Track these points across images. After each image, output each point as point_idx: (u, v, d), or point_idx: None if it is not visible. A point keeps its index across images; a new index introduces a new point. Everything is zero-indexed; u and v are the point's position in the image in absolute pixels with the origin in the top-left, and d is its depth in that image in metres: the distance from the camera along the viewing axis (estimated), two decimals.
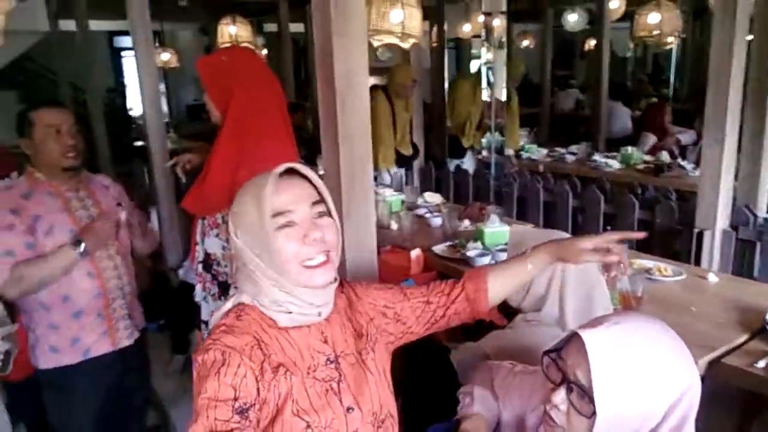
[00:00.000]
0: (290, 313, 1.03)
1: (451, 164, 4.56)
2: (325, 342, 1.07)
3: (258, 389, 0.95)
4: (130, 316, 1.95)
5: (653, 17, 3.88)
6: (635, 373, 0.85)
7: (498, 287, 1.21)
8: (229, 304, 1.07)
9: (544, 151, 4.86)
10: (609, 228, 3.06)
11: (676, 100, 7.95)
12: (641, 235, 1.28)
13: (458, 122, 4.74)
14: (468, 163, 4.66)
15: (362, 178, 1.63)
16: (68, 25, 5.87)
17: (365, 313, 1.16)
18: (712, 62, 2.42)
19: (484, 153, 4.54)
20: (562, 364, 0.92)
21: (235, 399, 0.92)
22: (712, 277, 2.04)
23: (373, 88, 4.56)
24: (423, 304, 1.20)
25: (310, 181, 1.04)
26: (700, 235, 2.56)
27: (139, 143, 6.10)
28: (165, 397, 2.85)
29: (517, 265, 1.21)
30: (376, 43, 3.11)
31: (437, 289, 1.22)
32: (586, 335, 0.87)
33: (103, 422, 1.92)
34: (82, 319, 1.81)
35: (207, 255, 1.81)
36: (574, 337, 0.91)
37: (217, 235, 1.77)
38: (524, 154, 4.81)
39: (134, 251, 2.04)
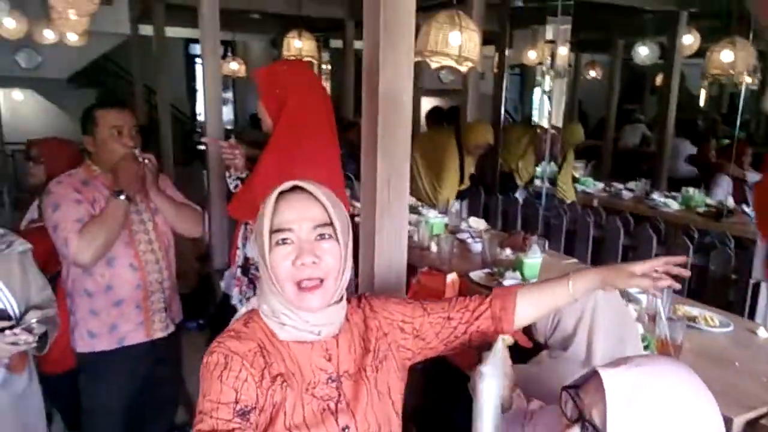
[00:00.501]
0: (284, 325, 1.02)
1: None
2: (329, 360, 1.06)
3: (257, 395, 0.97)
4: (166, 310, 2.01)
5: (726, 55, 3.71)
6: (653, 419, 0.80)
7: (528, 308, 1.16)
8: (244, 309, 1.09)
9: (600, 185, 4.73)
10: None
11: (752, 143, 7.58)
12: (683, 259, 1.20)
13: (509, 164, 4.67)
14: (519, 196, 4.59)
15: (398, 195, 1.62)
16: (147, 30, 6.22)
17: (378, 328, 1.14)
18: None
19: (537, 182, 4.46)
20: (579, 401, 0.88)
21: (237, 402, 0.94)
22: (763, 332, 1.91)
23: (440, 126, 4.52)
24: (444, 320, 1.16)
25: (320, 202, 1.02)
26: (756, 286, 2.41)
27: (202, 147, 6.38)
28: (196, 396, 2.90)
29: (556, 287, 1.16)
30: (433, 65, 3.12)
31: (460, 305, 1.18)
32: (605, 374, 0.84)
33: (131, 409, 1.98)
34: (121, 308, 1.89)
35: (246, 259, 1.85)
36: (594, 375, 0.87)
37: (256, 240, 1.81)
38: (579, 187, 4.69)
39: (176, 234, 2.06)
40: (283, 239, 0.99)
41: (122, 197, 1.79)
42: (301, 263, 0.98)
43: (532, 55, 6.25)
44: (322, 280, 1.00)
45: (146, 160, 1.89)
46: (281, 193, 1.02)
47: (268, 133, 1.85)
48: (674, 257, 1.18)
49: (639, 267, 1.14)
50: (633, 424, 0.80)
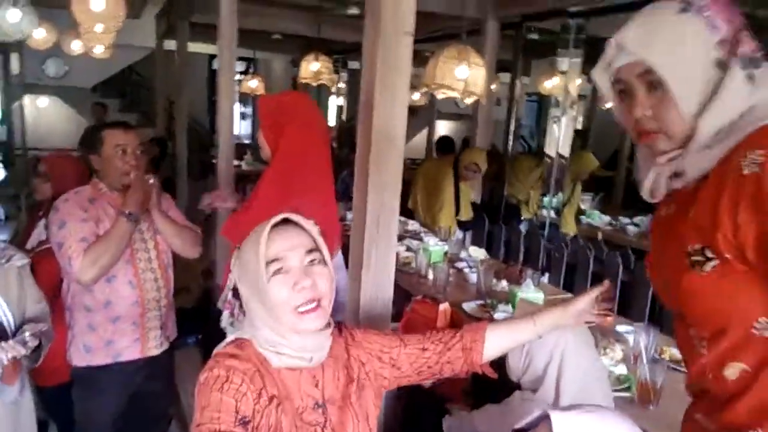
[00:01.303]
0: (281, 354, 1.08)
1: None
2: (316, 386, 1.11)
3: (254, 411, 1.01)
4: (162, 327, 2.06)
5: None
6: None
7: (496, 342, 1.25)
8: (230, 337, 1.14)
9: (607, 218, 4.72)
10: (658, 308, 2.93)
11: None
12: (607, 285, 1.29)
13: (517, 195, 4.70)
14: (523, 227, 4.60)
15: (387, 231, 1.67)
16: (172, 45, 6.39)
17: (359, 357, 1.21)
18: None
19: (543, 212, 4.48)
20: None
21: (237, 411, 0.99)
22: None
23: (447, 155, 4.58)
24: (419, 350, 1.24)
25: (306, 230, 1.11)
26: None
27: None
28: (190, 411, 2.94)
29: (522, 323, 1.27)
30: (439, 96, 3.20)
31: (435, 337, 1.26)
32: (555, 417, 0.87)
33: (123, 422, 2.02)
34: (118, 324, 1.95)
35: None
36: (545, 419, 0.90)
37: None
38: (584, 219, 4.69)
39: (176, 254, 2.11)
40: (279, 269, 1.06)
41: (129, 219, 1.85)
42: (301, 287, 1.05)
43: (548, 85, 6.32)
44: (318, 302, 1.07)
45: (150, 181, 1.96)
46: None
47: (267, 161, 1.92)
48: (602, 288, 1.27)
49: (581, 302, 1.25)
50: None
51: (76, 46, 5.37)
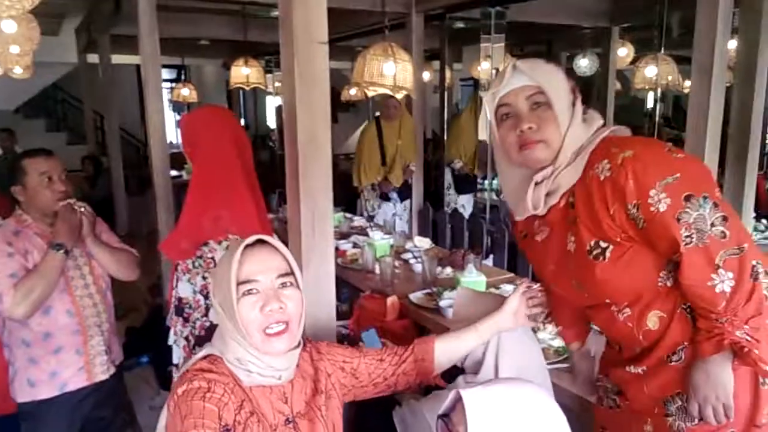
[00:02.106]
0: (251, 372, 1.11)
1: (461, 199, 4.68)
2: (285, 402, 1.15)
3: (234, 422, 1.04)
4: (107, 352, 2.04)
5: (650, 70, 3.94)
6: (507, 427, 0.91)
7: (444, 352, 1.35)
8: (201, 354, 1.17)
9: None
10: None
11: None
12: (526, 281, 1.47)
13: (458, 153, 4.87)
14: (467, 204, 4.73)
15: (323, 234, 1.71)
16: (96, 58, 6.18)
17: (324, 369, 1.26)
18: (689, 123, 2.46)
19: (485, 195, 4.60)
20: (451, 426, 0.98)
21: (220, 418, 1.02)
22: None
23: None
24: (377, 361, 1.32)
25: (281, 253, 1.14)
26: None
27: None
28: (147, 430, 2.91)
29: (466, 333, 1.37)
30: (370, 93, 3.25)
31: (391, 351, 1.35)
32: (465, 394, 0.94)
33: None
34: (60, 355, 1.91)
35: (179, 299, 1.90)
36: (459, 399, 0.97)
37: (188, 280, 1.87)
38: None
39: (113, 277, 2.09)
40: (249, 290, 1.09)
41: (61, 251, 1.82)
42: (269, 310, 1.08)
43: (479, 69, 6.50)
44: (287, 324, 1.10)
45: (82, 209, 1.92)
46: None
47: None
48: (527, 285, 1.42)
49: (511, 304, 1.37)
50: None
51: None
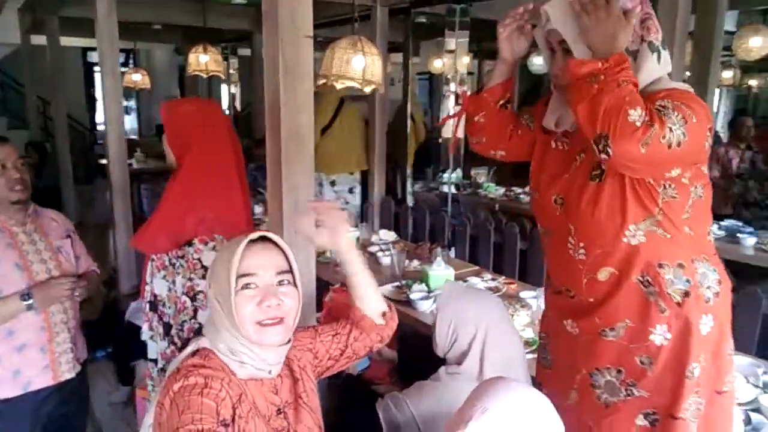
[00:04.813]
0: (245, 364, 1.12)
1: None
2: (276, 393, 1.17)
3: (233, 416, 1.05)
4: (72, 350, 1.97)
5: None
6: None
7: (361, 301, 1.31)
8: (190, 348, 1.16)
9: (502, 189, 5.01)
10: None
11: None
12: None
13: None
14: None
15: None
16: (40, 39, 5.89)
17: (295, 357, 1.27)
18: None
19: (444, 189, 4.67)
20: None
21: (218, 413, 1.01)
22: None
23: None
24: (331, 337, 1.33)
25: (282, 250, 1.15)
26: None
27: (104, 161, 6.13)
28: (106, 427, 2.84)
29: (351, 277, 1.31)
30: (339, 86, 3.23)
31: (340, 324, 1.35)
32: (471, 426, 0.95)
33: None
34: (24, 353, 1.83)
35: (154, 296, 1.86)
36: None
37: (164, 277, 1.82)
38: (482, 192, 4.95)
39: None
40: (248, 284, 1.10)
41: (27, 302, 1.76)
42: (267, 305, 1.09)
43: (437, 64, 6.58)
44: (282, 319, 1.11)
45: (76, 293, 1.89)
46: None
47: (172, 166, 1.87)
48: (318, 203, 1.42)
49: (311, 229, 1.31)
50: None
51: None
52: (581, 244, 1.28)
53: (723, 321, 1.25)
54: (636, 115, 1.06)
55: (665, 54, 1.23)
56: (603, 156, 1.10)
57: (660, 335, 1.21)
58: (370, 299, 1.32)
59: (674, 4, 2.29)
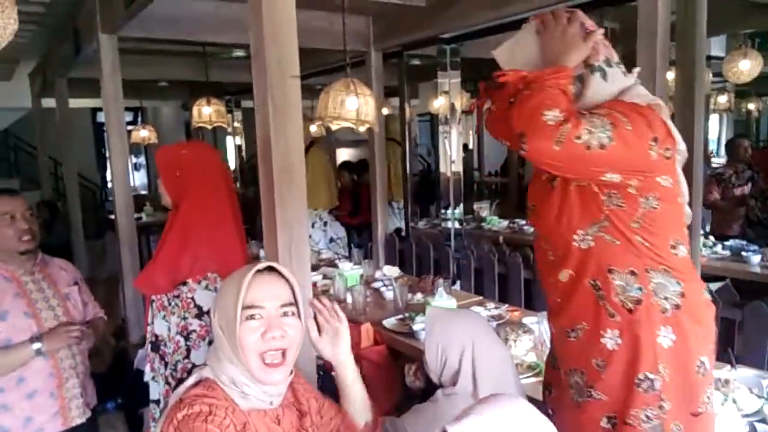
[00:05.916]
0: (247, 395, 1.14)
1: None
2: (278, 424, 1.18)
3: None
4: (82, 395, 2.00)
5: None
6: None
7: (350, 407, 1.37)
8: (192, 379, 1.18)
9: (505, 222, 5.04)
10: None
11: None
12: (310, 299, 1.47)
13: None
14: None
15: (299, 260, 1.75)
16: (50, 102, 6.11)
17: (303, 392, 1.30)
18: None
19: (448, 224, 4.70)
20: None
21: None
22: None
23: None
24: (335, 410, 1.37)
25: (288, 282, 1.19)
26: None
27: (113, 216, 6.26)
28: None
29: (344, 388, 1.38)
30: (334, 127, 3.32)
31: (336, 411, 1.38)
32: (451, 430, 0.96)
33: None
34: (35, 399, 1.87)
35: (155, 336, 1.89)
36: None
37: (163, 317, 1.86)
38: (485, 226, 4.99)
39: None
40: (253, 315, 1.13)
41: (36, 347, 1.82)
42: (271, 336, 1.12)
43: (436, 104, 6.72)
44: (284, 353, 1.14)
45: (83, 340, 1.97)
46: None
47: (168, 207, 1.94)
48: (319, 302, 1.40)
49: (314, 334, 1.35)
50: None
51: None
52: (548, 247, 1.35)
53: (689, 336, 1.22)
54: (551, 115, 1.12)
55: (612, 70, 1.28)
56: (521, 152, 1.17)
57: (611, 339, 1.23)
58: (357, 412, 1.37)
59: (653, 34, 2.36)
